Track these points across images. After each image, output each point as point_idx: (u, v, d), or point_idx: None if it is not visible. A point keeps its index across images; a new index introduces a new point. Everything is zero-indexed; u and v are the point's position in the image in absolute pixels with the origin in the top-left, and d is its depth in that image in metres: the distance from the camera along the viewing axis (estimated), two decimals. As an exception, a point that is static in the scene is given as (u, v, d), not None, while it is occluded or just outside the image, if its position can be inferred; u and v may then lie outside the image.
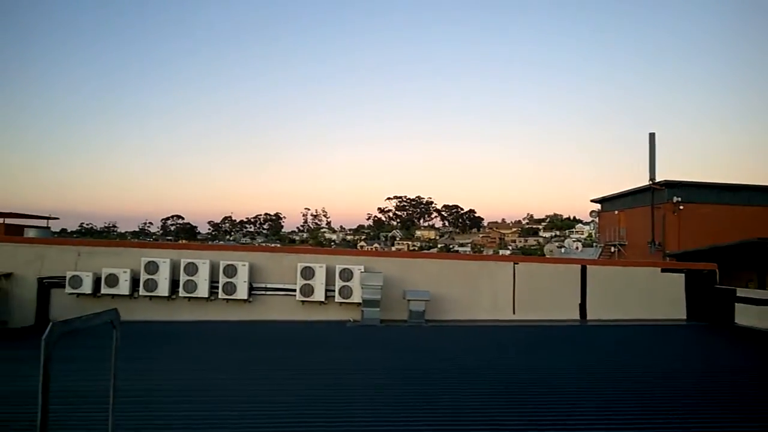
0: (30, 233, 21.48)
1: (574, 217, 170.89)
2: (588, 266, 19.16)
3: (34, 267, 17.37)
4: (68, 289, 16.85)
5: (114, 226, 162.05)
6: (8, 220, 24.10)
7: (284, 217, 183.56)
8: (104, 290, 16.88)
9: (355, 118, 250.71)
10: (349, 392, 8.81)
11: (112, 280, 16.86)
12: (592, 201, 32.73)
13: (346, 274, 17.11)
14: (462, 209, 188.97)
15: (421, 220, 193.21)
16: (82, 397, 7.73)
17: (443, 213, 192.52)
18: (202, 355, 12.17)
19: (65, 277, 16.95)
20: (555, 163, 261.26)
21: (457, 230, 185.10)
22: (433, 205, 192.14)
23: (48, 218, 26.81)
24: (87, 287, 16.81)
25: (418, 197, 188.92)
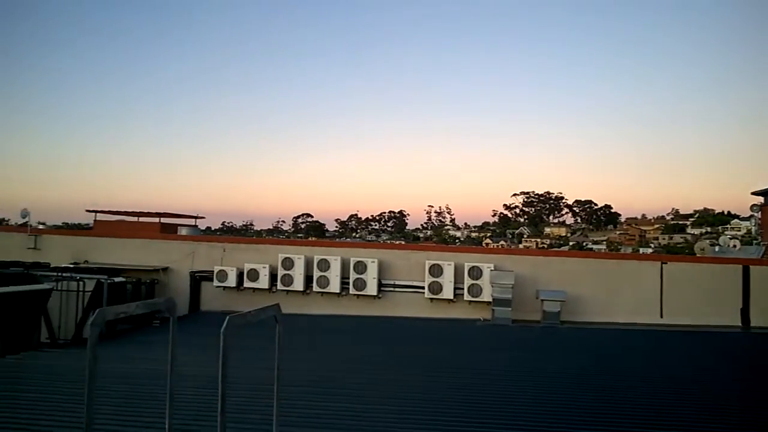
0: (183, 231, 23.96)
1: (729, 212, 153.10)
2: (752, 267, 16.99)
3: (186, 262, 19.31)
4: (215, 282, 18.50)
5: (251, 224, 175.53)
6: (164, 220, 27.11)
7: (408, 215, 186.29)
8: (246, 284, 18.29)
9: (476, 111, 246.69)
10: (481, 394, 8.59)
11: (253, 275, 18.20)
12: (753, 194, 28.86)
13: (475, 272, 16.82)
14: (596, 204, 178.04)
15: (551, 217, 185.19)
16: (244, 384, 8.36)
17: (575, 209, 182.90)
18: (336, 349, 12.66)
19: (213, 271, 18.64)
20: (706, 151, 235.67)
21: (591, 227, 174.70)
22: (563, 201, 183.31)
23: (196, 217, 29.75)
24: (231, 281, 18.32)
25: (547, 192, 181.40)
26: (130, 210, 27.57)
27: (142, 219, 27.33)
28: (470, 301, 17.04)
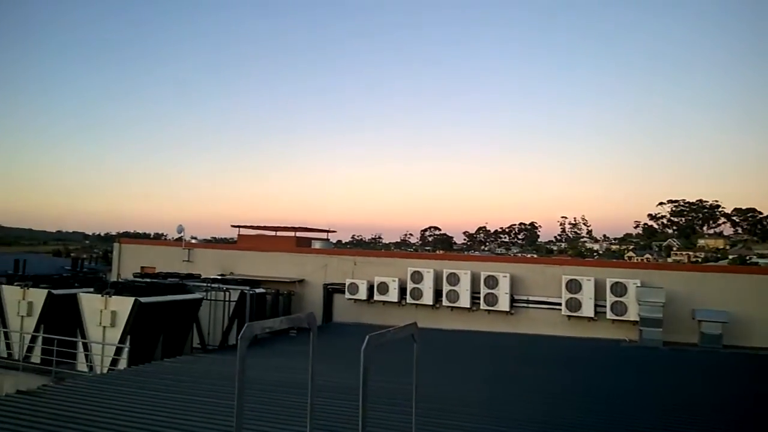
0: (316, 245, 25.25)
1: None
2: None
3: (320, 274, 20.26)
4: (347, 295, 19.18)
5: (380, 238, 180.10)
6: (299, 234, 28.77)
7: (540, 226, 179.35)
8: (376, 296, 18.73)
9: (612, 118, 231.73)
10: (629, 423, 7.87)
11: (383, 288, 18.59)
12: None
13: (619, 288, 15.64)
14: (759, 213, 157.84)
15: (705, 227, 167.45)
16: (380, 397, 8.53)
17: (734, 218, 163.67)
18: (468, 366, 12.43)
19: (344, 283, 19.36)
20: None
21: (755, 238, 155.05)
22: (719, 209, 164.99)
23: (328, 231, 31.18)
24: (362, 293, 18.87)
25: (700, 201, 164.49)
26: (269, 225, 29.76)
27: (279, 233, 29.29)
28: (613, 320, 15.87)
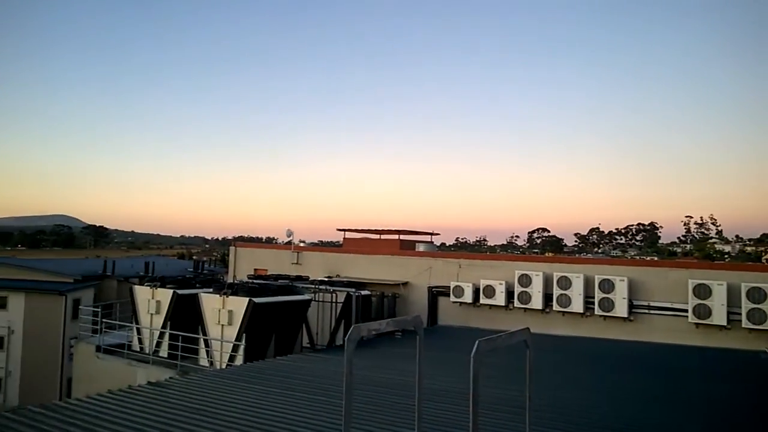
0: (420, 248, 25.32)
1: None
2: None
3: (424, 277, 20.29)
4: (452, 298, 19.03)
5: (485, 240, 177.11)
6: (402, 237, 29.03)
7: (660, 227, 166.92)
8: (482, 300, 18.40)
9: (740, 111, 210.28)
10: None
11: (489, 291, 18.23)
12: None
13: (757, 294, 14.14)
14: None
15: None
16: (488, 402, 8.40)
17: None
18: (582, 375, 11.83)
19: (449, 286, 19.23)
20: None
21: None
22: None
23: (432, 234, 31.15)
24: (468, 297, 18.63)
25: None
26: (374, 228, 30.34)
27: (383, 236, 29.77)
28: (750, 329, 14.37)
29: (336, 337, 16.48)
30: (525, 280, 17.57)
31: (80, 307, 28.66)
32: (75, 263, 56.35)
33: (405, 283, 20.45)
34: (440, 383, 9.66)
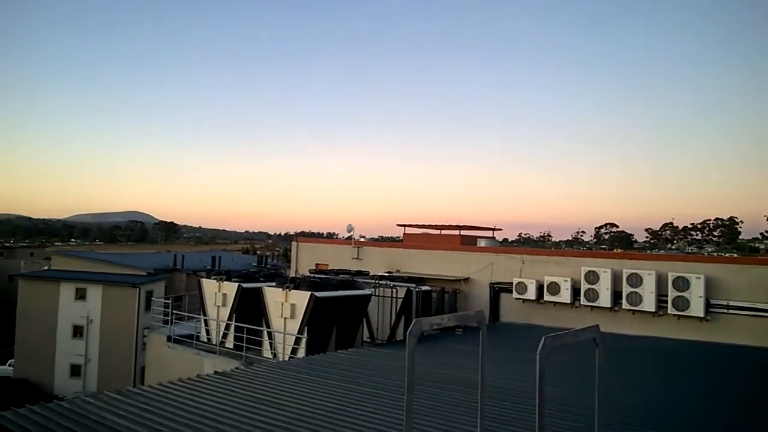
0: (482, 243, 25.00)
1: None
2: None
3: (486, 273, 20.00)
4: (515, 294, 18.67)
5: (549, 235, 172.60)
6: (463, 232, 28.75)
7: (741, 222, 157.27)
8: (546, 297, 17.95)
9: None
10: None
11: (554, 288, 17.75)
12: None
13: None
14: None
15: None
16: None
17: None
18: (654, 377, 11.33)
19: (512, 282, 18.87)
20: None
21: None
22: None
23: (494, 229, 30.67)
24: (531, 293, 18.23)
25: None
26: (434, 224, 30.21)
27: (444, 232, 29.59)
28: None
29: (396, 332, 16.52)
30: (592, 277, 16.99)
31: (152, 298, 30.18)
32: (147, 257, 59.41)
33: (466, 279, 20.25)
34: (503, 381, 9.50)
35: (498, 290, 19.54)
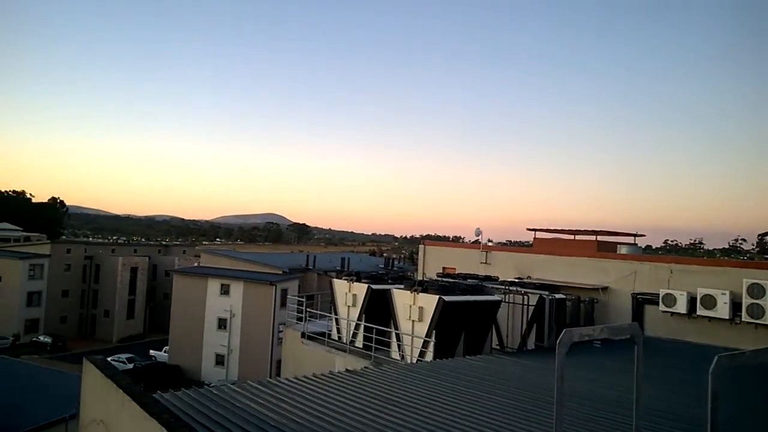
0: (621, 250, 23.26)
1: None
2: None
3: (627, 282, 18.60)
4: (661, 307, 17.13)
5: (700, 243, 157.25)
6: (600, 238, 26.99)
7: None
8: (699, 311, 16.24)
9: None
10: None
11: (709, 302, 16.02)
12: None
13: None
14: None
15: None
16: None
17: None
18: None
19: (658, 294, 17.34)
20: None
21: None
22: None
23: (636, 235, 28.42)
24: (681, 306, 16.60)
25: None
26: (566, 228, 28.72)
27: (578, 237, 28.03)
28: None
29: (527, 341, 15.91)
30: (756, 291, 15.09)
31: (288, 296, 31.99)
32: (282, 257, 63.34)
33: (604, 288, 18.99)
34: (653, 401, 8.70)
35: (641, 301, 18.07)
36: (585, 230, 27.33)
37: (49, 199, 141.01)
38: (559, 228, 28.81)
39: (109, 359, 8.66)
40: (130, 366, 45.93)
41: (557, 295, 16.95)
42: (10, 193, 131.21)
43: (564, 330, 3.06)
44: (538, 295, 16.27)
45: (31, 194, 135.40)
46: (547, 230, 29.18)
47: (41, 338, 56.78)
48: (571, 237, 28.05)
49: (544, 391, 9.31)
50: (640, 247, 26.86)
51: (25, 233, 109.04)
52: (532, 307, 16.05)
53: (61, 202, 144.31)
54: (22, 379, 30.41)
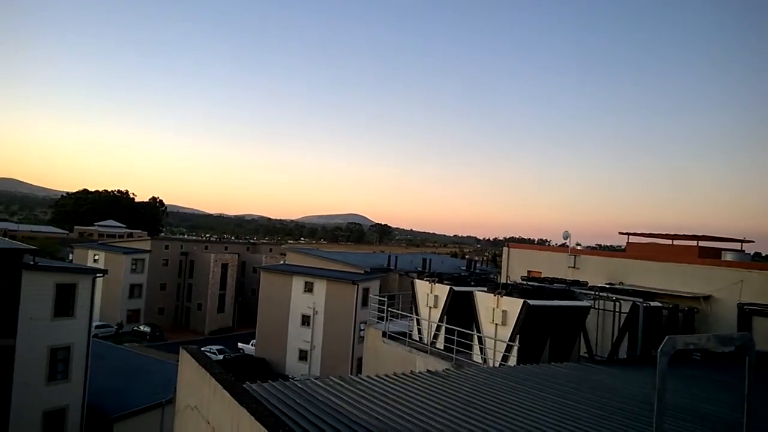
0: (727, 256, 21.59)
1: None
2: None
3: (733, 291, 17.25)
4: (775, 320, 15.75)
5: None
6: (702, 243, 25.23)
7: None
8: (818, 326, 14.79)
9: None
10: None
11: (829, 316, 14.54)
12: None
13: None
14: None
15: None
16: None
17: None
18: None
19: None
20: None
21: None
22: None
23: (743, 241, 26.32)
24: (796, 320, 15.19)
25: None
26: (664, 232, 27.07)
27: (677, 242, 26.35)
28: None
29: (619, 350, 15.15)
30: None
31: (369, 295, 32.38)
32: (364, 257, 64.24)
33: (706, 297, 17.73)
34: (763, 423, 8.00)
35: (749, 312, 16.68)
36: (685, 235, 25.65)
37: (149, 199, 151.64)
38: (656, 232, 27.25)
39: (201, 349, 9.14)
40: (220, 357, 48.30)
41: (652, 303, 16.02)
42: (116, 193, 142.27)
43: (667, 337, 2.86)
44: (632, 302, 15.45)
45: (134, 194, 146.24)
46: (642, 234, 27.67)
47: (141, 328, 61.04)
48: (669, 242, 26.43)
49: (640, 404, 8.82)
50: (749, 254, 24.87)
51: (128, 230, 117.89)
52: (625, 315, 15.27)
53: (161, 201, 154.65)
54: (125, 365, 32.85)
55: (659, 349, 2.76)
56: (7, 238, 31.22)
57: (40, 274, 24.54)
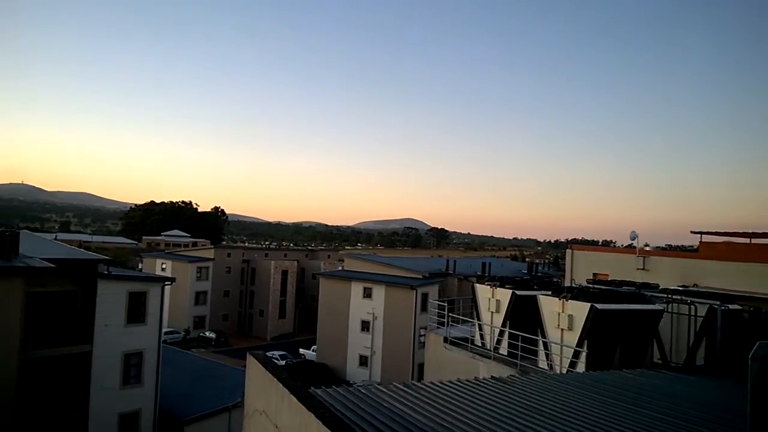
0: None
1: None
2: None
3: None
4: None
5: None
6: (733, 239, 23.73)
7: None
8: None
9: None
10: None
11: None
12: None
13: None
14: None
15: None
16: None
17: None
18: None
19: None
20: None
21: None
22: None
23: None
24: None
25: None
26: (741, 231, 25.60)
27: (755, 240, 24.87)
28: None
29: (696, 356, 14.42)
30: None
31: (429, 300, 32.27)
32: (422, 261, 64.10)
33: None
34: None
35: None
36: (764, 233, 24.18)
37: (212, 209, 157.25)
38: (732, 231, 25.82)
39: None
40: (283, 363, 49.34)
41: (731, 306, 15.15)
42: (180, 204, 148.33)
43: (758, 342, 2.69)
44: (708, 305, 14.68)
45: (197, 204, 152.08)
46: (716, 233, 26.30)
47: (207, 333, 63.21)
48: (747, 240, 24.99)
49: (722, 413, 8.37)
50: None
51: (192, 239, 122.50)
52: (701, 319, 14.53)
53: (222, 210, 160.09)
54: (194, 370, 34.08)
55: (750, 355, 2.60)
56: (82, 249, 33.12)
57: (113, 282, 25.84)
